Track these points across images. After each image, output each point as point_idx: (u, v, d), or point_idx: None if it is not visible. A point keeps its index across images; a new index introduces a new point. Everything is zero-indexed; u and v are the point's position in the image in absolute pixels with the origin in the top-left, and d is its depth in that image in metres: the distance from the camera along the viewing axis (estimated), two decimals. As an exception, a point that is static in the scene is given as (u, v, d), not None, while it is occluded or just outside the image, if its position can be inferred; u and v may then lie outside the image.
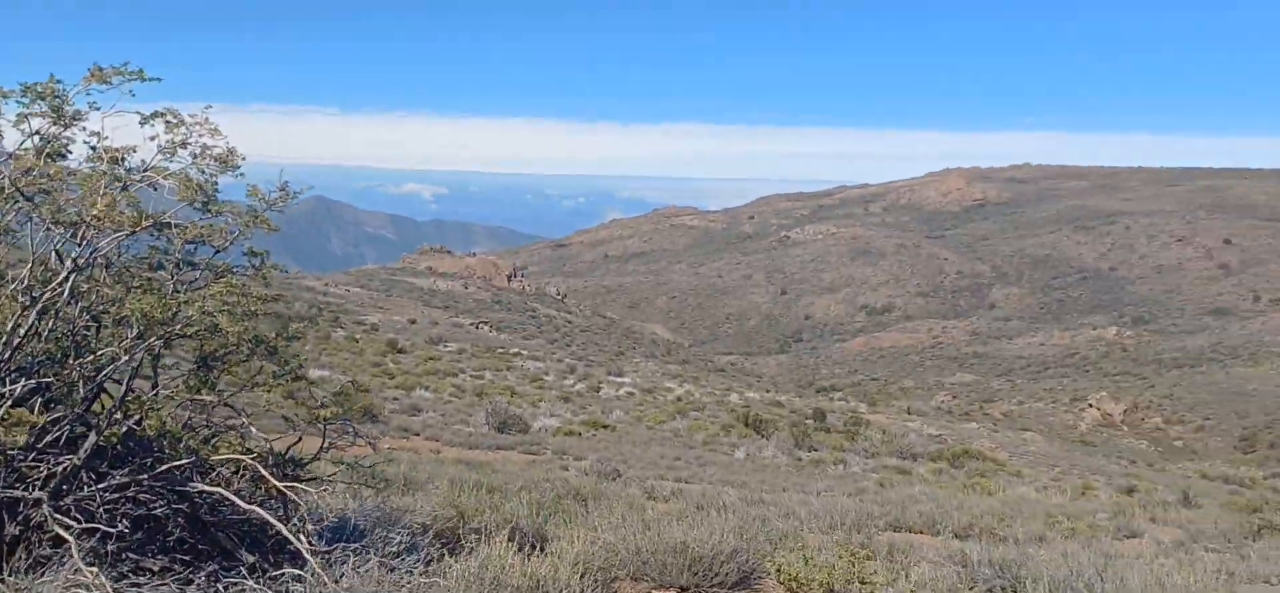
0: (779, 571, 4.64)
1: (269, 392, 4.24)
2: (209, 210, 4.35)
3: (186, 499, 3.81)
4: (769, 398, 48.76)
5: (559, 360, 51.91)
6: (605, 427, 27.82)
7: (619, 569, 4.54)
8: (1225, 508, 21.17)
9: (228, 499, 3.77)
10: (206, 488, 3.71)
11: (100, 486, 3.63)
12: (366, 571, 3.65)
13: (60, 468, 3.57)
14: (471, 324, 64.04)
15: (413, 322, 59.46)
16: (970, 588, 4.70)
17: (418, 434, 20.72)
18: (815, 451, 28.09)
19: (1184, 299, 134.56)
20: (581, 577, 4.08)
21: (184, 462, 3.74)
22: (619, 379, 46.68)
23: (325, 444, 4.32)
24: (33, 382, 3.73)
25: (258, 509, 3.78)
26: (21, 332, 3.69)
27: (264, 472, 3.85)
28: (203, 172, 4.35)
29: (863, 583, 4.59)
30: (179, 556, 3.79)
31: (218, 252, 4.40)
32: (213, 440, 4.06)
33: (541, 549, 4.72)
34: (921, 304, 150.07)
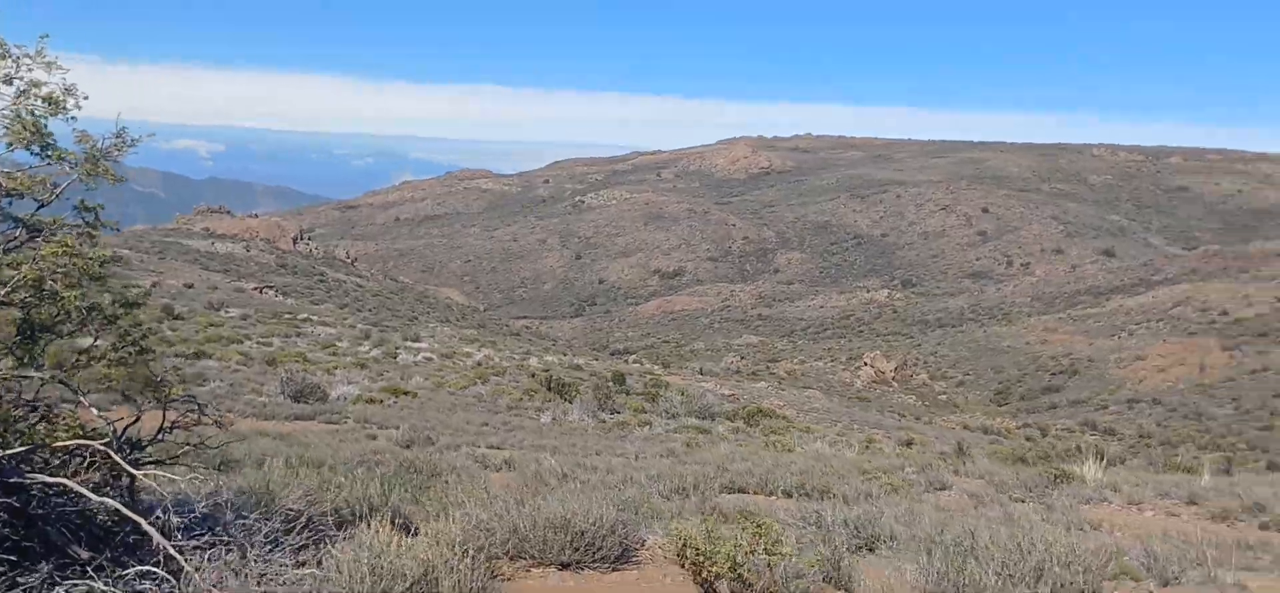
0: (685, 545, 4.63)
1: (109, 367, 3.80)
2: (48, 156, 3.82)
3: (14, 492, 3.38)
4: (568, 362, 49.01)
5: (352, 326, 50.09)
6: (407, 393, 27.13)
7: (496, 548, 4.42)
8: (993, 457, 23.17)
9: (72, 490, 3.36)
10: (47, 479, 3.29)
11: None
12: (242, 567, 3.36)
13: None
14: (255, 289, 60.73)
15: (190, 286, 55.75)
16: (832, 548, 4.90)
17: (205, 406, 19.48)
18: (618, 413, 28.55)
19: (947, 263, 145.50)
20: (463, 559, 3.93)
21: (18, 450, 3.30)
22: (416, 344, 45.59)
23: (168, 423, 3.94)
24: None
25: (112, 501, 3.39)
26: None
27: (119, 459, 3.46)
28: (32, 113, 3.82)
29: (769, 553, 4.66)
30: (2, 556, 3.35)
31: (42, 205, 3.89)
32: (43, 424, 3.61)
33: (409, 532, 4.52)
34: (711, 268, 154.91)
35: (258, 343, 36.43)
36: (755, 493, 8.49)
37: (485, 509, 4.62)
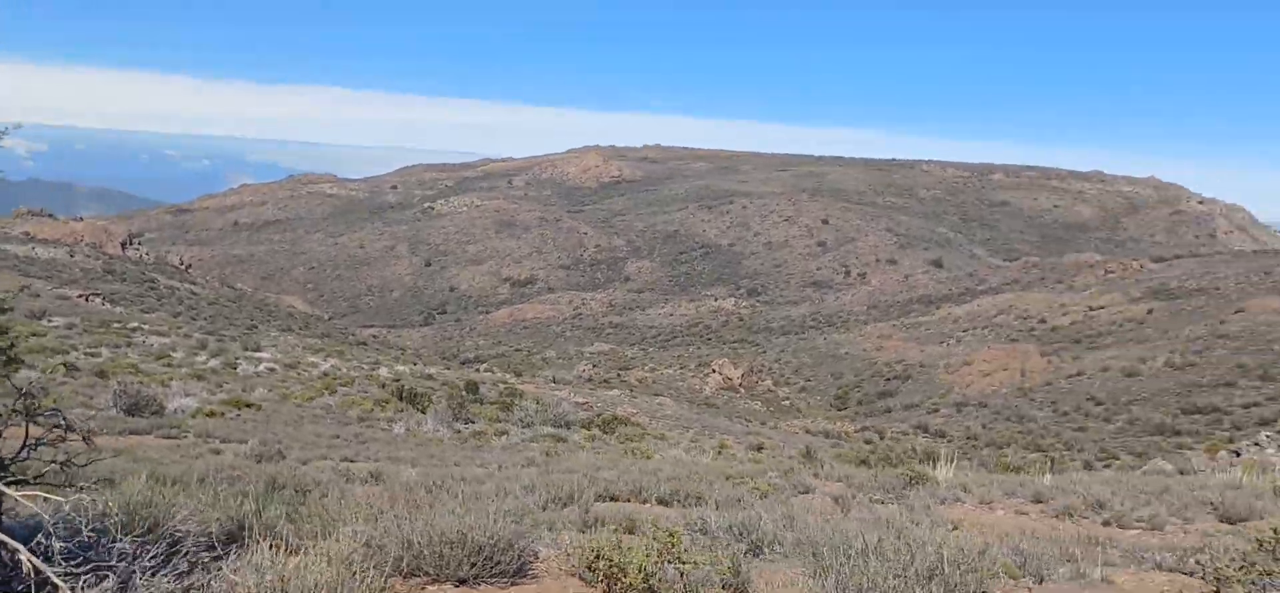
0: (597, 557, 4.60)
1: None
2: None
3: None
4: (420, 371, 48.10)
5: (187, 336, 47.62)
6: (250, 406, 26.05)
7: (389, 566, 4.30)
8: (838, 460, 24.09)
9: None
10: None
11: None
12: None
13: None
14: (80, 296, 56.97)
15: (8, 293, 51.72)
16: (722, 550, 5.03)
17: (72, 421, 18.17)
18: (473, 422, 28.24)
19: (790, 273, 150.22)
20: (359, 579, 3.83)
21: None
22: (258, 355, 43.77)
23: (32, 439, 3.70)
24: None
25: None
26: None
27: None
28: None
29: (681, 562, 4.68)
30: None
31: None
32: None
33: (289, 552, 4.35)
34: (563, 276, 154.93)
35: (85, 353, 34.20)
36: (629, 501, 8.58)
37: (373, 525, 4.52)
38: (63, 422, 3.95)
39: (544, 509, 7.12)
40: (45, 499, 3.41)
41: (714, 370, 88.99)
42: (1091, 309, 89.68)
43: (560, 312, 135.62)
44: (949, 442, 54.33)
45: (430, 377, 44.37)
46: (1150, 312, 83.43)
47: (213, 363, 38.04)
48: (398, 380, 38.60)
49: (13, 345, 3.65)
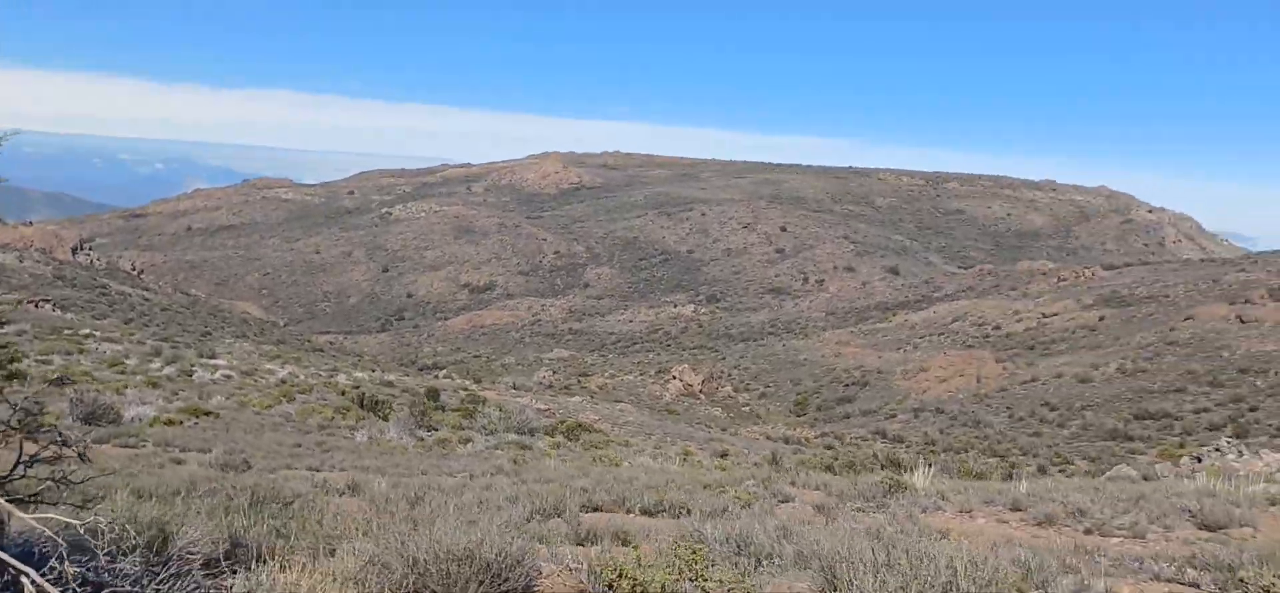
0: (619, 575, 4.50)
1: None
2: None
3: None
4: (378, 378, 47.65)
5: (140, 342, 46.72)
6: (208, 414, 25.64)
7: (395, 585, 4.21)
8: (803, 466, 24.23)
9: None
10: None
11: None
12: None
13: None
14: (30, 302, 55.72)
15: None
16: (725, 564, 5.03)
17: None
18: (436, 430, 28.03)
19: (748, 280, 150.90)
20: None
21: None
22: (213, 362, 43.08)
23: (26, 456, 3.61)
24: None
25: None
26: None
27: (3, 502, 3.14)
28: None
29: (704, 580, 4.58)
30: None
31: None
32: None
33: (284, 567, 4.27)
34: (522, 283, 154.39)
35: (36, 361, 33.42)
36: (613, 511, 8.52)
37: (374, 542, 4.44)
38: (59, 438, 3.87)
39: (529, 521, 7.05)
40: (64, 524, 3.33)
41: (674, 377, 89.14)
42: (1045, 316, 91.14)
43: (519, 318, 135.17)
44: (907, 447, 54.86)
45: (390, 384, 43.95)
46: (1102, 318, 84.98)
47: (168, 370, 37.35)
48: (357, 388, 38.17)
49: (14, 359, 3.57)
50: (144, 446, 18.36)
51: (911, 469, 12.19)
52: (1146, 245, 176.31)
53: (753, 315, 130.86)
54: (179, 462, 15.50)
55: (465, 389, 45.56)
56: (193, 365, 40.01)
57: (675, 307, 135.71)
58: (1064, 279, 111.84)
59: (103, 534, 3.29)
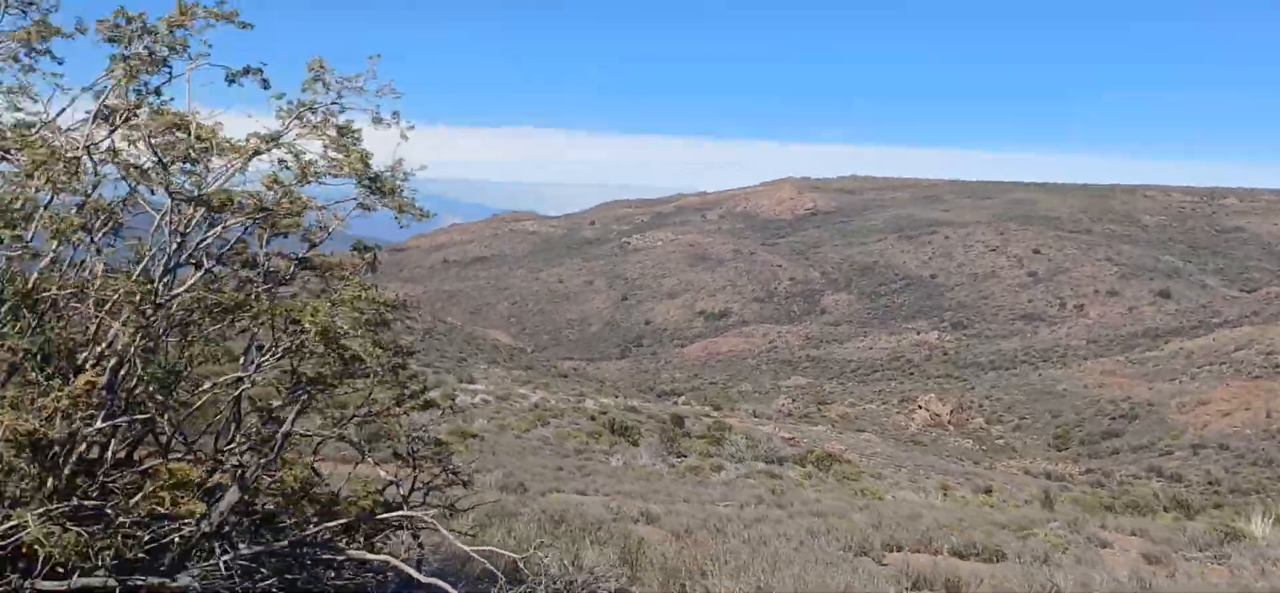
0: None
1: (389, 423, 3.45)
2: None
3: (330, 569, 2.97)
4: (623, 404, 48.55)
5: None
6: (473, 436, 26.81)
7: None
8: (1076, 505, 22.20)
9: (395, 568, 2.96)
10: (366, 556, 2.89)
11: (226, 557, 2.74)
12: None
13: (186, 532, 2.65)
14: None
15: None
16: None
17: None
18: (684, 456, 27.96)
19: (997, 305, 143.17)
20: None
21: (336, 524, 2.90)
22: (472, 386, 45.45)
23: (420, 484, 3.55)
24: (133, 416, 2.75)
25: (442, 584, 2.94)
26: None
27: (446, 533, 3.07)
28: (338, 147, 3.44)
29: None
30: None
31: (314, 246, 3.53)
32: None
33: None
34: (757, 309, 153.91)
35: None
36: (916, 550, 7.82)
37: (737, 580, 4.08)
38: (447, 465, 3.83)
39: (837, 563, 6.51)
40: (504, 555, 3.21)
41: (919, 406, 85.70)
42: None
43: (754, 345, 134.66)
44: (1187, 486, 49.87)
45: (634, 409, 44.63)
46: None
47: (433, 394, 39.68)
48: (605, 413, 38.97)
49: (424, 388, 3.57)
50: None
51: (1258, 516, 10.62)
52: None
53: (1003, 342, 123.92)
54: (465, 484, 16.09)
55: (707, 416, 45.53)
56: (454, 390, 42.34)
57: (917, 333, 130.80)
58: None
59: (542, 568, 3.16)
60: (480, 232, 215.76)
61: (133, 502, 2.61)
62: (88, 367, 2.77)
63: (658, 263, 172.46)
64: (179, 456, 3.33)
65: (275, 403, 3.40)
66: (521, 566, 3.30)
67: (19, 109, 3.49)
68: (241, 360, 3.27)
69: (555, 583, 3.53)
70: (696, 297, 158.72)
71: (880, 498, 16.28)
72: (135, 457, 3.35)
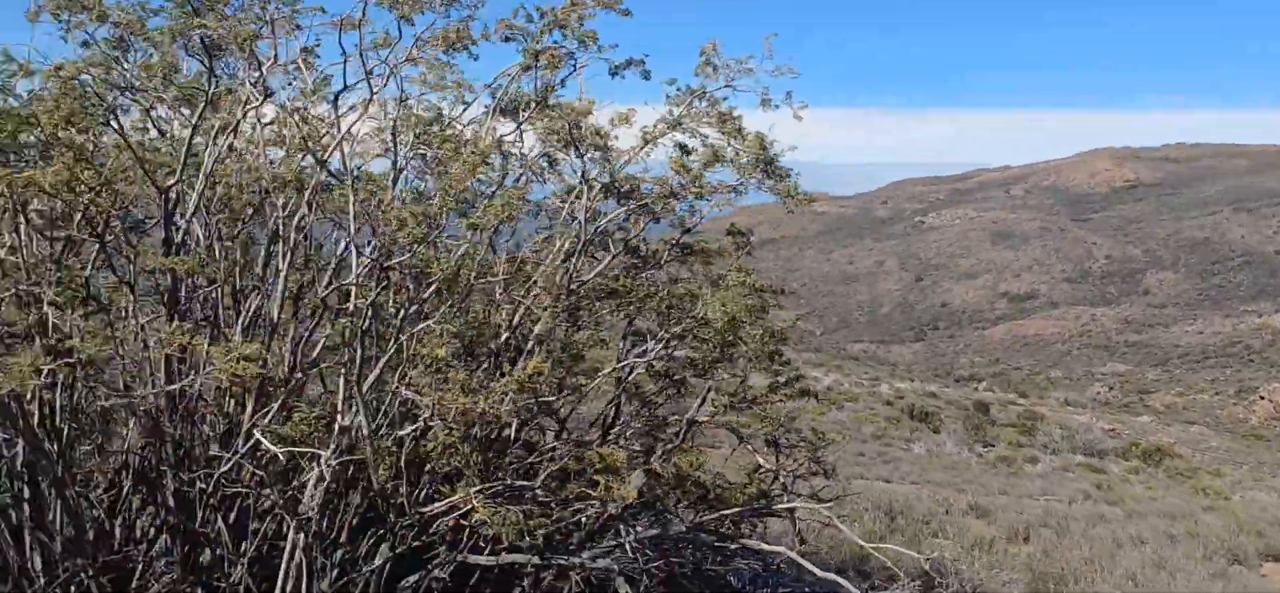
0: None
1: (766, 410, 3.68)
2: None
3: (719, 557, 3.24)
4: (921, 389, 47.11)
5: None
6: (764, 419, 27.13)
7: None
8: None
9: (789, 559, 3.20)
10: (762, 546, 3.14)
11: (628, 540, 3.08)
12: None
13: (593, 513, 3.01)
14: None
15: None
16: None
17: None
18: (992, 446, 26.70)
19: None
20: None
21: (731, 511, 3.19)
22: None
23: (784, 473, 3.72)
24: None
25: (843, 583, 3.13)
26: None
27: (844, 529, 3.26)
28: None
29: None
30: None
31: (687, 231, 3.84)
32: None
33: None
34: (1068, 290, 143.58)
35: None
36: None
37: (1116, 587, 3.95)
38: (817, 455, 3.98)
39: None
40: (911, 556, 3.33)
41: (1262, 398, 76.36)
42: None
43: (1065, 328, 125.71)
44: None
45: (934, 395, 43.17)
46: None
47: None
48: (902, 398, 38.03)
49: (799, 376, 3.75)
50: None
51: None
52: None
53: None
54: (828, 474, 16.40)
55: (1014, 404, 43.20)
56: (746, 371, 42.98)
57: (1259, 316, 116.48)
58: None
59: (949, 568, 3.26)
60: (770, 213, 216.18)
61: (568, 486, 2.88)
62: (509, 348, 3.12)
63: (955, 242, 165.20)
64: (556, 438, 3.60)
65: (649, 388, 3.63)
66: (928, 570, 3.29)
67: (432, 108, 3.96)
68: (620, 346, 3.52)
69: (963, 586, 3.50)
70: (999, 277, 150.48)
71: (1226, 498, 14.74)
72: (522, 437, 3.70)
